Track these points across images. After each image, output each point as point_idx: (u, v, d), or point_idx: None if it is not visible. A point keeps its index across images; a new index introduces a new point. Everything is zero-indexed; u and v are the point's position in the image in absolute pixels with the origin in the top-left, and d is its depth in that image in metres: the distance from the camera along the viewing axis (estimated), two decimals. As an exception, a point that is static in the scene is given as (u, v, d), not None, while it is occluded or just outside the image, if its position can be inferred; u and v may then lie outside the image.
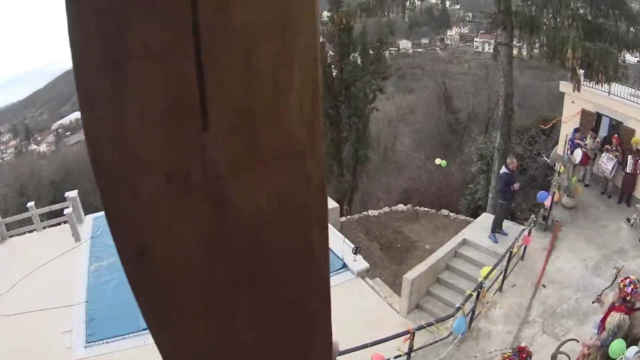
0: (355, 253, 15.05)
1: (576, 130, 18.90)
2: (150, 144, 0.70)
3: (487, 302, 12.91)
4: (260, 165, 0.75)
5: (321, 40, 28.42)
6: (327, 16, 29.97)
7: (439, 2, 32.11)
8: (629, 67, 23.31)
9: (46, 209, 20.32)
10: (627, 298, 9.03)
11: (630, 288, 9.13)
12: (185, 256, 0.78)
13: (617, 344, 8.75)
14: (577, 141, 18.64)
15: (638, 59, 29.97)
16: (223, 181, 0.73)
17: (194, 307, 0.84)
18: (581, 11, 20.26)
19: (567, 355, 9.96)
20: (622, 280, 9.38)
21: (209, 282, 0.81)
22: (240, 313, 0.85)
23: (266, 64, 0.69)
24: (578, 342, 10.31)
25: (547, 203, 16.17)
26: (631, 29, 20.24)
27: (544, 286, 13.86)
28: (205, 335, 0.88)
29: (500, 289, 13.55)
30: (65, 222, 18.61)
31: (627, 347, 8.64)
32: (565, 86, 19.06)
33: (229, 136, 0.71)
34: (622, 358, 8.45)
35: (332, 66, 29.42)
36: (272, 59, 0.70)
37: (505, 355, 8.65)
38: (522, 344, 9.13)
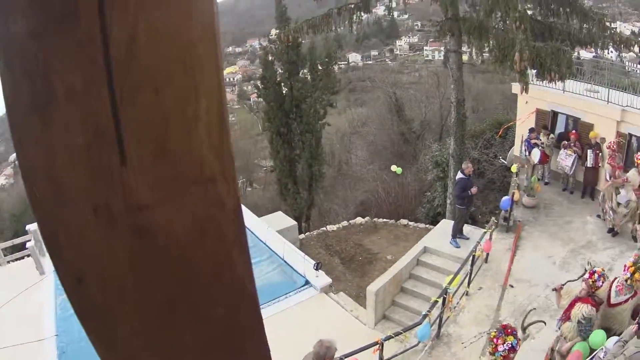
0: (316, 269, 15.04)
1: (531, 131, 19.21)
2: (76, 179, 0.77)
3: (455, 307, 13.00)
4: (177, 192, 0.83)
5: (270, 58, 28.55)
6: (275, 34, 30.10)
7: (387, 14, 32.07)
8: (584, 63, 23.77)
9: (8, 243, 19.97)
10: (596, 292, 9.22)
11: (600, 282, 9.34)
12: (118, 282, 0.85)
13: (598, 334, 8.80)
14: (533, 141, 18.96)
15: (594, 54, 30.52)
16: (145, 210, 0.81)
17: (134, 329, 0.91)
18: (530, 12, 20.54)
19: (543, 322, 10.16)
20: (590, 276, 9.48)
21: (144, 304, 0.88)
22: (179, 332, 0.92)
23: (174, 96, 0.78)
24: (545, 324, 10.45)
25: (504, 204, 16.41)
26: (584, 25, 20.63)
27: (512, 286, 13.97)
28: (149, 355, 0.95)
29: (467, 293, 13.58)
30: (28, 256, 18.34)
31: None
32: (517, 87, 19.27)
33: (145, 167, 0.79)
34: (602, 349, 8.57)
35: (282, 84, 29.53)
36: (179, 91, 0.79)
37: (492, 335, 8.71)
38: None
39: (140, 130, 0.77)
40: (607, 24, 21.36)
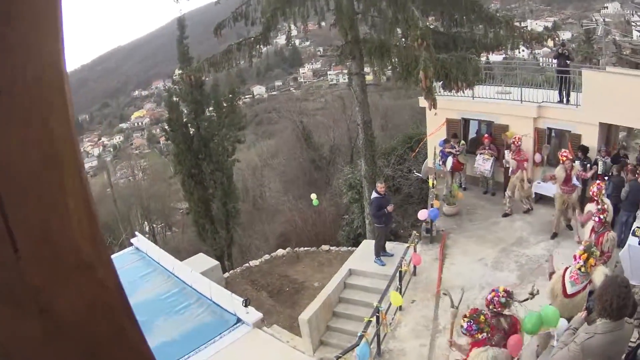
0: (245, 305, 14.86)
1: (445, 141, 19.47)
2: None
3: (391, 323, 13.02)
4: (63, 276, 0.97)
5: (175, 99, 28.29)
6: (178, 74, 29.92)
7: (288, 42, 32.27)
8: (494, 66, 24.23)
9: None
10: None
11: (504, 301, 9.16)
12: (32, 357, 0.96)
13: (550, 309, 8.79)
14: (447, 150, 19.22)
15: (503, 56, 31.09)
16: (42, 292, 0.93)
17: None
18: (433, 25, 20.96)
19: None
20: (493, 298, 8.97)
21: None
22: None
23: (47, 199, 0.96)
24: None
25: (422, 215, 16.55)
26: (490, 30, 20.88)
27: (445, 294, 14.12)
28: None
29: (400, 308, 13.50)
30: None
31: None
32: (424, 101, 19.45)
33: (34, 255, 0.93)
34: (552, 330, 8.56)
35: (189, 125, 29.37)
36: (49, 194, 0.96)
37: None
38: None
39: (26, 226, 0.92)
40: (517, 24, 21.73)
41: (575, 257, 9.53)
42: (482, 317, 8.14)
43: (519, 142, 17.84)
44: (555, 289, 9.93)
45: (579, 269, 9.36)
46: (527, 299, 9.76)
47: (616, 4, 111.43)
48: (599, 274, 9.30)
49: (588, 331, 6.07)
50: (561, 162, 15.65)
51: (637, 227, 13.44)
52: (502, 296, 8.74)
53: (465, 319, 8.05)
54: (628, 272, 12.83)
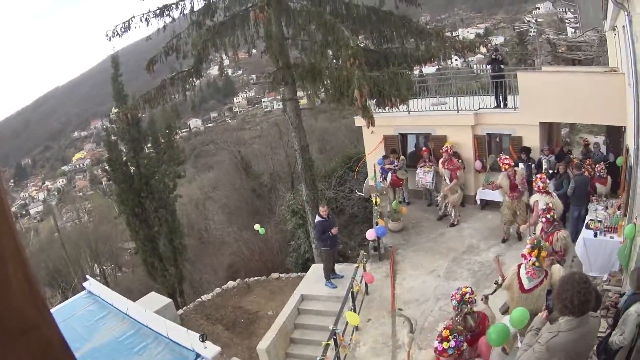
0: (202, 340, 14.66)
1: (384, 157, 19.51)
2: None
3: (349, 344, 12.87)
4: (11, 339, 1.05)
5: (113, 138, 27.96)
6: (115, 113, 29.59)
7: (221, 73, 32.51)
8: (428, 78, 24.33)
9: None
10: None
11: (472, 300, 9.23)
12: None
13: (517, 312, 8.66)
14: (387, 167, 19.26)
15: (437, 67, 31.42)
16: None
17: None
18: (363, 44, 20.91)
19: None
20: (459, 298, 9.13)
21: None
22: None
23: None
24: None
25: (370, 235, 16.48)
26: (421, 43, 21.00)
27: (401, 309, 14.02)
28: None
29: (357, 328, 13.46)
30: None
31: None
32: (360, 120, 19.45)
33: None
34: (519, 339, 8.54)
35: (129, 163, 29.03)
36: None
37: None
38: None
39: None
40: (448, 34, 21.93)
41: (524, 256, 9.58)
42: (458, 327, 8.11)
43: (451, 151, 18.04)
44: (512, 286, 10.02)
45: (533, 264, 9.41)
46: (495, 290, 9.82)
47: (548, 3, 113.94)
48: (556, 272, 9.58)
49: (552, 330, 6.01)
50: (503, 169, 15.73)
51: (591, 219, 13.86)
52: (471, 294, 8.94)
53: (448, 338, 7.90)
54: (586, 266, 13.18)
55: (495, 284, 10.29)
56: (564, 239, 11.41)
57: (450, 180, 17.74)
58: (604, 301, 10.40)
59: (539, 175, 14.19)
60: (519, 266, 9.98)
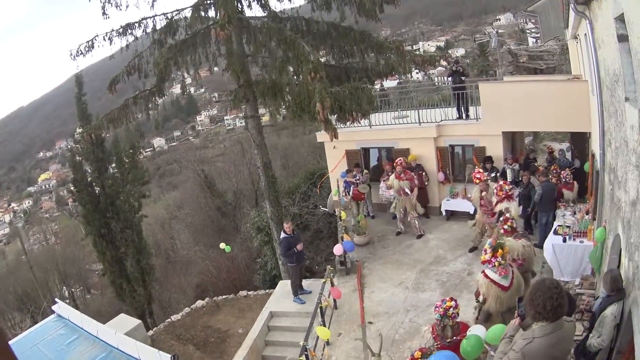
0: (175, 362, 14.60)
1: (347, 172, 19.53)
2: None
3: (321, 359, 12.83)
4: None
5: (78, 159, 27.84)
6: (79, 133, 29.43)
7: (183, 91, 32.25)
8: (389, 92, 24.45)
9: None
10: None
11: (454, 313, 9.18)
12: None
13: (495, 330, 8.52)
14: (349, 180, 19.28)
15: (398, 80, 31.44)
16: None
17: None
18: (324, 59, 20.90)
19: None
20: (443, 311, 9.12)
21: None
22: None
23: None
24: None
25: (337, 251, 16.48)
26: (381, 57, 21.10)
27: (371, 322, 13.99)
28: None
29: (328, 343, 13.34)
30: None
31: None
32: (322, 136, 19.72)
33: None
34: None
35: (94, 184, 28.85)
36: None
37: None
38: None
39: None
40: (408, 47, 22.07)
41: (488, 261, 9.71)
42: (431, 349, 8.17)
43: (404, 163, 18.14)
44: (493, 291, 10.20)
45: (499, 264, 9.54)
46: (479, 311, 9.91)
47: (509, 14, 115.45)
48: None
49: (526, 337, 6.01)
50: (475, 182, 15.91)
51: (559, 225, 13.95)
52: (455, 308, 8.96)
53: None
54: (557, 271, 13.32)
55: (477, 302, 10.33)
56: (522, 247, 11.55)
57: (411, 191, 17.80)
58: (578, 305, 10.51)
59: (501, 183, 14.44)
60: (485, 273, 10.08)
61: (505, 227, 11.87)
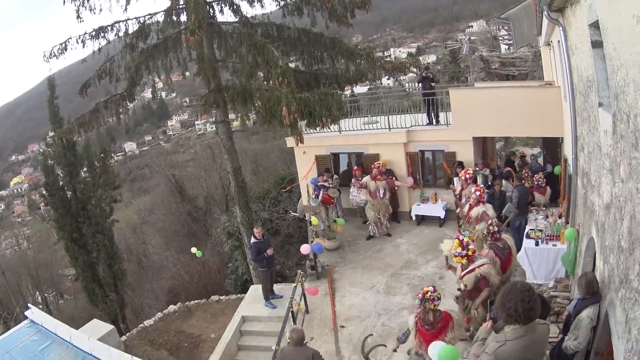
0: (149, 367, 14.62)
1: (319, 175, 19.69)
2: None
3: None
4: None
5: (50, 162, 27.72)
6: (51, 137, 29.28)
7: (154, 96, 32.08)
8: (359, 98, 24.52)
9: None
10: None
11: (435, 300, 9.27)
12: None
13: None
14: (320, 184, 19.36)
15: (368, 86, 31.35)
16: None
17: None
18: (294, 65, 21.03)
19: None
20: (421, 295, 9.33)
21: None
22: None
23: None
24: (386, 346, 10.56)
25: (304, 250, 16.48)
26: (352, 63, 21.25)
27: (343, 326, 14.03)
28: None
29: (301, 346, 13.40)
30: None
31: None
32: (291, 141, 19.66)
33: None
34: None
35: (65, 188, 28.68)
36: None
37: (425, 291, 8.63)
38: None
39: None
40: (380, 54, 22.15)
41: (469, 257, 10.24)
42: None
43: (383, 168, 18.32)
44: (487, 271, 10.44)
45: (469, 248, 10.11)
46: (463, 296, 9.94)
47: (481, 21, 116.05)
48: None
49: (498, 339, 6.04)
50: (467, 182, 16.05)
51: (531, 229, 14.10)
52: (433, 291, 9.11)
53: None
54: (530, 274, 13.46)
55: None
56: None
57: (383, 196, 17.94)
58: (552, 307, 10.64)
59: (476, 186, 14.68)
60: (473, 270, 10.28)
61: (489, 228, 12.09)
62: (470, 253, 10.28)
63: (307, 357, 9.88)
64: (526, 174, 16.88)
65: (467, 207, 15.11)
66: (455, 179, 16.89)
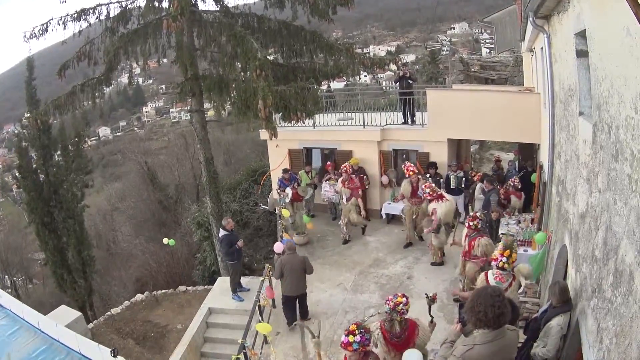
0: (114, 356, 14.43)
1: (285, 171, 19.42)
2: None
3: (259, 358, 12.79)
4: None
5: (24, 144, 27.51)
6: (26, 118, 29.04)
7: (130, 81, 31.84)
8: (335, 94, 24.46)
9: None
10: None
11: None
12: None
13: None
14: (286, 181, 19.22)
15: (345, 82, 31.21)
16: None
17: None
18: (272, 57, 20.90)
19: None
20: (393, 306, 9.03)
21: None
22: None
23: None
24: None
25: (277, 248, 16.46)
26: (330, 58, 21.26)
27: (309, 319, 14.01)
28: None
29: (266, 341, 13.30)
30: None
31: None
32: (265, 133, 19.43)
33: None
34: (435, 352, 8.62)
35: (39, 171, 28.43)
36: None
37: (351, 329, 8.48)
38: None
39: None
40: (359, 50, 22.11)
41: (495, 258, 9.90)
42: (365, 326, 8.19)
43: (350, 170, 18.10)
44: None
45: (502, 267, 9.73)
46: (430, 306, 9.86)
47: (464, 24, 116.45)
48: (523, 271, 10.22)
49: (466, 343, 6.00)
50: (407, 175, 16.28)
51: (502, 233, 14.13)
52: (405, 304, 8.93)
53: (354, 332, 7.95)
54: None
55: (426, 296, 10.33)
56: (484, 245, 11.85)
57: (348, 200, 17.90)
58: (521, 313, 10.66)
59: (426, 184, 14.92)
60: (487, 273, 10.22)
61: (471, 223, 12.13)
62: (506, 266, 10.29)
63: (301, 260, 13.63)
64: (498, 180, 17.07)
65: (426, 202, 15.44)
66: (405, 181, 16.90)
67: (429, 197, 14.79)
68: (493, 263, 10.02)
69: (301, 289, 13.89)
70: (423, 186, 15.21)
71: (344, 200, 17.89)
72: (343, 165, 18.24)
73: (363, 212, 18.09)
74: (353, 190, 17.73)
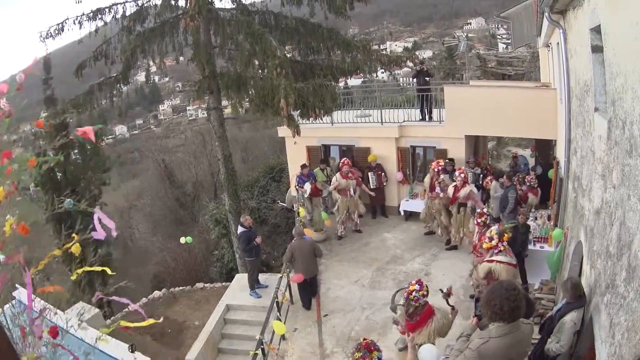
0: (132, 351, 14.49)
1: (303, 167, 19.28)
2: None
3: (276, 354, 12.79)
4: None
5: (42, 142, 27.53)
6: (44, 117, 29.10)
7: (147, 79, 31.95)
8: (353, 90, 24.43)
9: None
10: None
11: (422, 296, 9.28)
12: None
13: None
14: (304, 177, 19.06)
15: (362, 79, 31.09)
16: None
17: None
18: (290, 55, 20.88)
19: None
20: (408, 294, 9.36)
21: None
22: None
23: None
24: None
25: None
26: (347, 55, 21.14)
27: (326, 315, 14.05)
28: None
29: (284, 337, 13.28)
30: None
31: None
32: (283, 130, 19.61)
33: None
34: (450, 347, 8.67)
35: (56, 169, 28.45)
36: None
37: (357, 357, 8.42)
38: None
39: None
40: (376, 47, 22.05)
41: (495, 247, 10.44)
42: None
43: (350, 164, 18.27)
44: (511, 273, 10.60)
45: (504, 242, 10.32)
46: (447, 300, 9.86)
47: (480, 19, 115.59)
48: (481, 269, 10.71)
49: (482, 336, 6.00)
50: (431, 168, 16.54)
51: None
52: (418, 290, 9.15)
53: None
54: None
55: (440, 291, 10.33)
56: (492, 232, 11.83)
57: (355, 192, 17.99)
58: (537, 309, 10.66)
59: (459, 168, 15.48)
60: (496, 260, 10.36)
61: (479, 220, 12.21)
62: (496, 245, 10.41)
63: (310, 244, 14.54)
64: (518, 176, 16.97)
65: (451, 190, 15.46)
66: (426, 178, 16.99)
67: (459, 182, 14.99)
68: (494, 251, 10.23)
69: (312, 272, 14.64)
70: (457, 171, 15.36)
71: (352, 192, 17.96)
72: (343, 159, 18.43)
73: (361, 207, 18.58)
74: (357, 180, 17.90)
